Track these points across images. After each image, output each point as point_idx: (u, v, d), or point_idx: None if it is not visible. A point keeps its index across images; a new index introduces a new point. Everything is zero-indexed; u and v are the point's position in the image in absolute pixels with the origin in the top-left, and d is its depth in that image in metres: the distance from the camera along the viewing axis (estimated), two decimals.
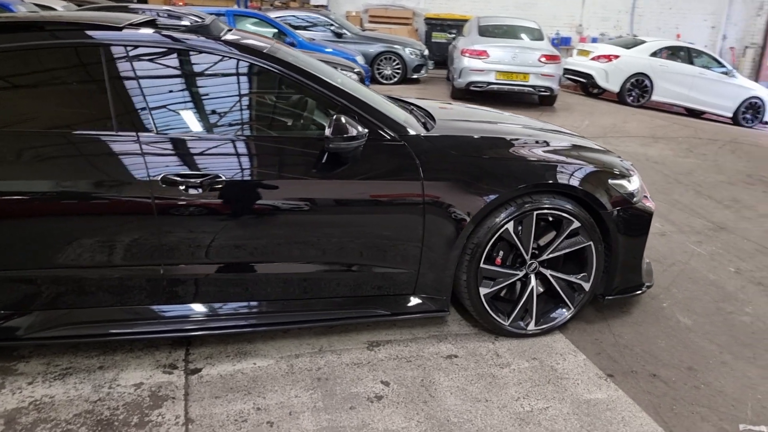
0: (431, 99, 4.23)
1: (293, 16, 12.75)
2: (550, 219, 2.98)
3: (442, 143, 2.90)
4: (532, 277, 3.02)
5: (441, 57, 14.72)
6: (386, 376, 2.71)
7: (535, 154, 3.03)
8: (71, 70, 2.55)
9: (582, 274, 3.07)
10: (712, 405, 2.65)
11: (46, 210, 2.43)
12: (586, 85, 13.25)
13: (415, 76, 12.63)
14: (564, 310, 3.10)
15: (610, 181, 3.06)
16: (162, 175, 2.47)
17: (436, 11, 16.78)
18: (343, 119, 2.57)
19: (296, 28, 11.80)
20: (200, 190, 2.51)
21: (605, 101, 12.49)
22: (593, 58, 12.63)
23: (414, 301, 2.91)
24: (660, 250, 4.36)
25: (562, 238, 2.98)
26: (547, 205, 2.89)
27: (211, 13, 3.54)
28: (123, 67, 2.53)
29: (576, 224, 2.95)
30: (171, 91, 2.68)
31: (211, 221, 2.57)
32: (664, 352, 3.04)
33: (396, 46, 12.46)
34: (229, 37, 2.79)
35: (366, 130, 2.65)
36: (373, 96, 3.13)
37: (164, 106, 2.61)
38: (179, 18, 2.87)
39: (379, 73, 12.35)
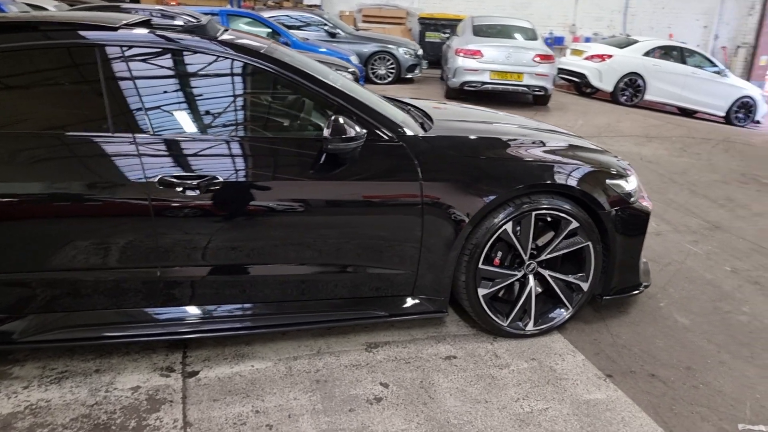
0: (426, 99, 4.22)
1: (287, 15, 12.71)
2: (549, 219, 2.98)
3: (440, 144, 2.89)
4: (531, 277, 3.02)
5: (435, 57, 14.70)
6: (385, 378, 2.70)
7: (533, 155, 3.03)
8: (66, 71, 2.52)
9: (580, 274, 3.06)
10: (712, 405, 2.65)
11: (41, 212, 2.40)
12: (579, 85, 13.27)
13: (409, 76, 12.61)
14: (562, 310, 3.10)
15: (607, 181, 3.06)
16: (159, 177, 2.45)
17: (430, 11, 16.76)
18: (341, 120, 2.56)
19: (290, 27, 11.77)
20: (198, 192, 2.49)
21: (598, 101, 12.51)
22: (587, 58, 12.65)
23: (412, 302, 2.90)
24: (656, 249, 4.37)
25: (560, 238, 2.97)
26: (545, 206, 2.89)
27: (205, 13, 3.52)
28: (119, 67, 2.51)
29: (574, 224, 2.95)
30: (168, 92, 2.65)
31: (208, 223, 2.55)
32: (662, 351, 3.04)
33: (390, 46, 12.44)
34: (225, 37, 2.77)
35: (364, 131, 2.64)
36: (371, 96, 3.12)
37: (161, 107, 2.58)
38: (172, 18, 2.85)
39: (373, 73, 12.33)
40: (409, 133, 2.83)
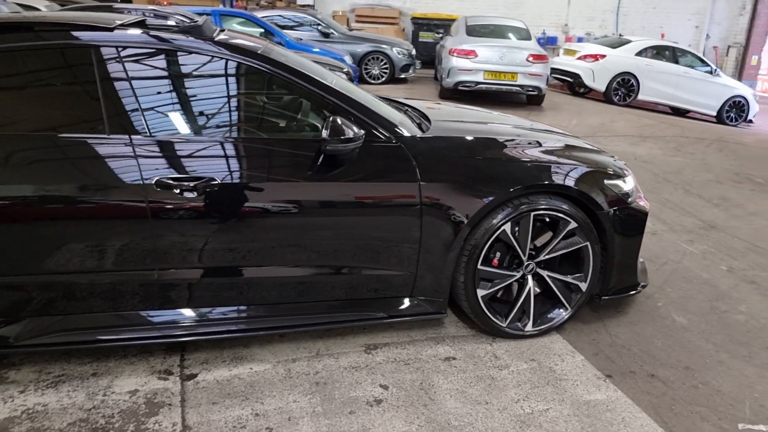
0: (420, 99, 4.21)
1: (280, 15, 12.68)
2: (547, 220, 2.98)
3: (438, 144, 2.88)
4: (529, 278, 3.01)
5: (428, 57, 14.71)
6: (385, 380, 2.68)
7: (531, 155, 3.02)
8: (61, 72, 2.50)
9: (579, 275, 3.06)
10: (711, 404, 2.65)
11: (35, 215, 2.37)
12: (572, 85, 13.31)
13: (402, 76, 12.61)
14: (561, 310, 3.09)
15: (605, 181, 3.06)
16: (156, 179, 2.43)
17: (423, 11, 16.78)
18: (339, 120, 2.54)
19: (283, 27, 11.74)
20: (195, 194, 2.47)
21: (592, 100, 12.55)
22: (580, 58, 12.70)
23: (411, 303, 2.89)
24: (652, 249, 4.38)
25: (559, 238, 2.97)
26: (543, 206, 2.88)
27: (197, 13, 3.50)
28: (115, 68, 2.48)
29: (573, 225, 2.95)
30: (165, 93, 2.63)
31: (206, 225, 2.53)
32: (661, 351, 3.04)
33: (383, 46, 12.44)
34: (221, 38, 2.75)
35: (362, 131, 2.62)
36: (369, 97, 3.11)
37: (157, 109, 2.56)
38: (165, 18, 2.83)
39: (367, 73, 12.32)
40: (407, 133, 2.82)
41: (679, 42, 15.51)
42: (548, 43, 17.37)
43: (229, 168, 2.58)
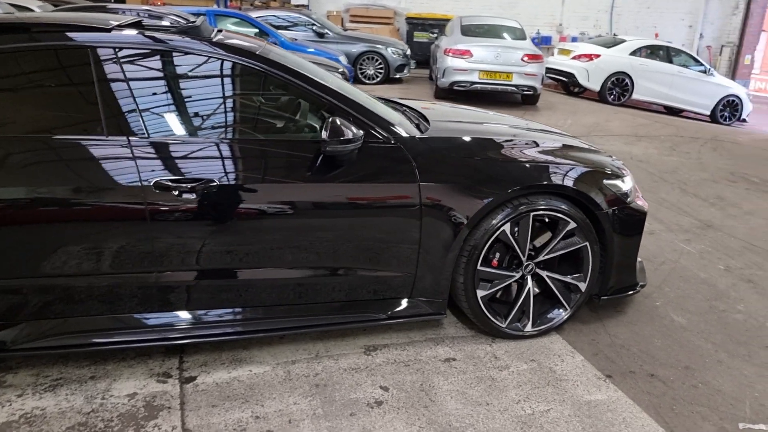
0: (415, 99, 4.20)
1: (274, 15, 12.65)
2: (546, 220, 2.97)
3: (437, 145, 2.88)
4: (529, 278, 3.01)
5: (423, 56, 14.71)
6: (385, 381, 2.67)
7: (530, 155, 3.02)
8: (59, 73, 2.47)
9: (578, 275, 3.06)
10: (712, 404, 2.65)
11: (33, 217, 2.35)
12: (567, 84, 13.34)
13: (397, 76, 12.60)
14: (561, 310, 3.09)
15: (604, 181, 3.06)
16: (155, 180, 2.41)
17: (417, 11, 16.76)
18: (338, 121, 2.53)
19: (277, 28, 11.71)
20: (194, 195, 2.45)
21: (586, 100, 12.58)
22: (574, 58, 12.72)
23: (411, 304, 2.88)
24: (650, 248, 4.38)
25: (558, 239, 2.97)
26: (543, 206, 2.88)
27: (192, 13, 3.48)
28: (112, 69, 2.46)
29: (572, 225, 2.95)
30: (163, 94, 2.61)
31: (206, 227, 2.51)
32: (660, 351, 3.04)
33: (378, 46, 12.42)
34: (219, 38, 2.73)
35: (361, 132, 2.62)
36: (367, 98, 3.10)
37: (156, 110, 2.54)
38: (160, 18, 2.81)
39: (362, 73, 12.30)
40: (406, 134, 2.81)
41: (672, 41, 15.57)
42: (542, 42, 17.39)
43: (228, 169, 2.56)
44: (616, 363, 2.91)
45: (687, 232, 4.84)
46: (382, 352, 2.90)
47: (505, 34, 11.14)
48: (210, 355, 2.79)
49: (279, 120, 2.95)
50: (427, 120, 3.24)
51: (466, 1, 17.33)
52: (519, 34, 11.20)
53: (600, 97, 12.40)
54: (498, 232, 2.83)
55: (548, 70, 12.57)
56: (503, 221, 2.83)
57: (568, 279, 3.06)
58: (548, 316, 3.09)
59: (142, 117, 2.47)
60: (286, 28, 12.26)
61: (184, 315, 2.62)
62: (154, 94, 2.58)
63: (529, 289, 3.01)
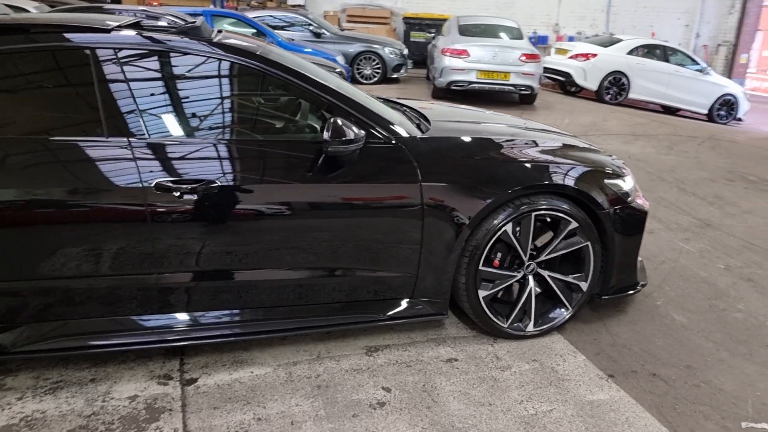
0: (413, 99, 4.19)
1: (271, 16, 12.63)
2: (548, 220, 2.97)
3: (438, 145, 2.87)
4: (530, 278, 3.00)
5: (420, 56, 14.70)
6: (387, 382, 2.66)
7: (531, 155, 3.01)
8: (59, 74, 2.46)
9: (579, 274, 3.05)
10: (714, 403, 2.65)
11: (32, 219, 2.34)
12: (564, 84, 13.35)
13: (395, 76, 12.59)
14: (562, 310, 3.09)
15: (605, 180, 3.05)
16: (156, 182, 2.40)
17: (414, 10, 16.76)
18: (339, 122, 2.52)
19: (274, 28, 11.69)
20: (196, 196, 2.44)
21: (583, 99, 12.59)
22: (571, 57, 12.73)
23: (413, 304, 2.87)
24: (649, 248, 4.38)
25: (560, 238, 2.96)
26: (544, 206, 2.88)
27: (189, 14, 3.46)
28: (113, 70, 2.45)
29: (574, 225, 2.94)
30: (164, 95, 2.60)
31: (207, 228, 2.50)
32: (662, 350, 3.04)
33: (375, 46, 12.41)
34: (220, 39, 2.72)
35: (363, 133, 2.61)
36: (368, 98, 3.09)
37: (157, 111, 2.53)
38: (157, 19, 2.80)
39: (359, 73, 12.29)
40: (407, 134, 2.80)
41: (669, 41, 15.60)
42: (539, 42, 17.41)
43: (229, 170, 2.55)
44: (618, 362, 2.91)
45: (686, 231, 4.85)
46: (384, 352, 2.89)
47: (502, 34, 11.14)
48: (210, 357, 2.78)
49: (280, 120, 2.94)
50: (427, 120, 3.23)
51: (463, 0, 17.33)
52: (516, 34, 11.20)
53: (597, 96, 12.41)
54: (500, 232, 2.83)
55: (545, 69, 12.56)
56: (505, 221, 2.82)
57: (569, 279, 3.06)
58: (550, 315, 3.09)
59: (142, 118, 2.46)
60: (282, 28, 12.23)
61: (185, 316, 2.61)
62: (155, 94, 2.57)
63: (531, 289, 3.00)
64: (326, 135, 2.50)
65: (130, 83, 2.46)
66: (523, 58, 10.09)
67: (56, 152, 2.38)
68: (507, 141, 3.11)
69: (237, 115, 2.80)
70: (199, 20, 2.86)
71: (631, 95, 12.46)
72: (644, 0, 18.24)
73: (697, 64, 12.97)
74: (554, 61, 13.16)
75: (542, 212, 2.89)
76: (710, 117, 12.90)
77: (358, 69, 12.29)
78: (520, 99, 10.96)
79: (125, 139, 2.42)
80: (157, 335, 2.57)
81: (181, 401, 2.47)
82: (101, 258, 2.42)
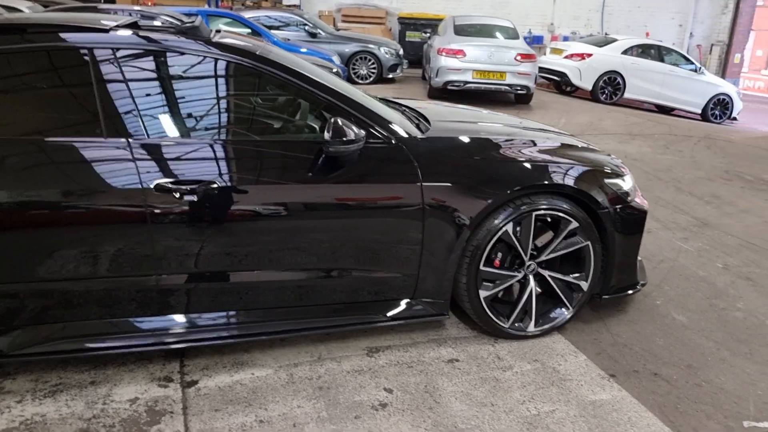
0: (410, 99, 4.18)
1: (266, 16, 12.59)
2: (548, 220, 2.96)
3: (439, 145, 2.87)
4: (531, 278, 3.00)
5: (415, 56, 14.69)
6: (389, 383, 2.65)
7: (531, 155, 3.01)
8: (58, 74, 2.44)
9: (580, 274, 3.05)
10: (716, 402, 2.65)
11: (31, 221, 2.32)
12: (559, 83, 13.37)
13: (390, 76, 12.57)
14: (563, 310, 3.08)
15: (605, 180, 3.05)
16: (156, 182, 2.38)
17: (409, 10, 16.75)
18: (340, 122, 2.51)
19: (270, 28, 11.66)
20: (196, 197, 2.42)
21: (579, 99, 12.60)
22: (566, 57, 12.75)
23: (413, 305, 2.86)
24: (648, 247, 4.38)
25: (560, 238, 2.96)
26: (545, 206, 2.87)
27: (184, 14, 3.45)
28: (111, 70, 2.43)
29: (574, 224, 2.94)
30: (164, 96, 2.58)
31: (208, 229, 2.49)
32: (662, 350, 3.04)
33: (371, 46, 12.40)
34: (219, 39, 2.71)
35: (363, 133, 2.60)
36: (369, 99, 3.08)
37: (156, 111, 2.51)
38: (152, 19, 2.79)
39: (355, 73, 12.27)
40: (407, 134, 2.80)
41: (663, 40, 15.64)
42: (534, 42, 17.41)
43: (229, 171, 2.53)
44: (620, 362, 2.90)
45: (684, 231, 4.85)
46: (385, 353, 2.88)
47: (498, 34, 11.15)
48: (211, 359, 2.77)
49: (281, 120, 2.92)
50: (427, 120, 3.22)
51: (458, 0, 17.33)
52: (512, 34, 11.21)
53: (592, 96, 12.42)
54: (500, 233, 2.82)
55: (540, 69, 12.58)
56: (505, 221, 2.82)
57: (570, 278, 3.05)
58: (550, 315, 3.08)
59: (141, 118, 2.44)
60: (278, 28, 12.20)
61: (186, 318, 2.59)
62: (154, 95, 2.55)
63: (532, 289, 2.99)
64: (327, 135, 2.49)
65: (129, 84, 2.45)
66: (519, 57, 10.09)
67: (55, 153, 2.36)
68: (507, 141, 3.10)
69: (237, 116, 2.78)
70: (198, 20, 2.84)
71: (626, 95, 12.49)
72: (638, 0, 18.28)
73: (692, 63, 13.01)
74: (549, 60, 13.17)
75: (543, 212, 2.89)
76: (704, 116, 12.93)
77: (353, 69, 12.27)
78: (516, 99, 10.96)
79: (124, 139, 2.40)
80: (157, 337, 2.56)
81: (182, 403, 2.46)
82: (101, 259, 2.40)
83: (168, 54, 2.56)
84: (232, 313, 2.66)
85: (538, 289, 3.06)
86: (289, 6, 15.82)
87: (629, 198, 3.11)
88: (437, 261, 2.79)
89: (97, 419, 2.34)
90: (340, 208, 2.64)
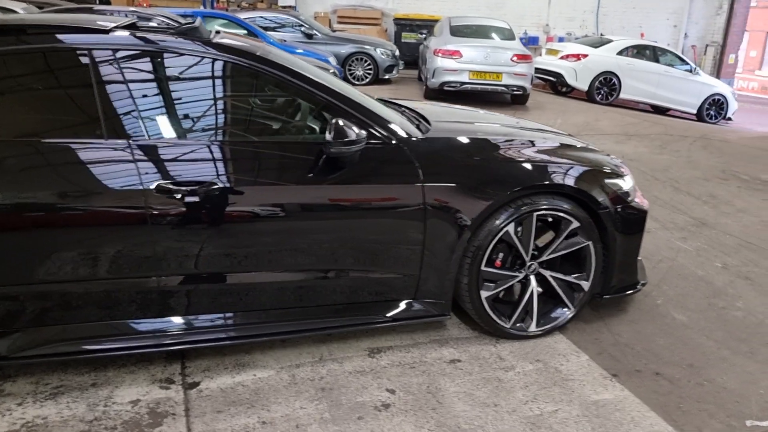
0: (407, 99, 4.18)
1: (262, 17, 12.58)
2: (549, 220, 2.96)
3: (439, 145, 2.87)
4: (532, 278, 3.00)
5: (411, 57, 14.69)
6: (391, 384, 2.65)
7: (531, 155, 3.01)
8: (58, 75, 2.43)
9: (581, 274, 3.05)
10: (718, 402, 2.65)
11: (29, 222, 2.31)
12: (555, 84, 13.39)
13: (386, 77, 12.58)
14: (565, 310, 3.08)
15: (606, 180, 3.06)
16: (156, 183, 2.37)
17: (405, 11, 16.75)
18: (341, 123, 2.51)
19: (266, 29, 11.65)
20: (197, 198, 2.41)
21: (574, 99, 12.63)
22: (562, 57, 12.78)
23: (415, 305, 2.86)
24: (647, 247, 4.37)
25: (561, 238, 2.96)
26: (545, 206, 2.87)
27: (180, 15, 3.44)
28: (112, 71, 2.42)
29: (575, 224, 2.94)
30: (164, 97, 2.57)
31: (209, 230, 2.48)
32: (664, 349, 3.04)
33: (367, 47, 12.39)
34: (218, 40, 2.70)
35: (364, 133, 2.59)
36: (369, 99, 3.08)
37: (156, 112, 2.50)
38: (149, 20, 2.78)
39: (351, 74, 12.26)
40: (408, 135, 2.79)
41: (658, 41, 15.70)
42: (530, 42, 17.45)
43: (230, 172, 2.53)
44: (621, 362, 2.91)
45: (682, 230, 4.87)
46: (387, 354, 2.88)
47: (494, 35, 11.17)
48: (212, 360, 2.75)
49: (281, 122, 2.92)
50: (427, 120, 3.22)
51: (454, 1, 17.35)
52: (508, 35, 11.23)
53: (588, 96, 12.46)
54: (502, 233, 2.82)
55: (536, 70, 12.58)
56: (507, 221, 2.81)
57: (571, 278, 3.05)
58: (552, 315, 3.08)
59: (142, 120, 2.43)
60: (274, 29, 12.19)
61: (186, 319, 2.58)
62: (154, 96, 2.54)
63: (533, 289, 2.99)
64: (329, 136, 2.49)
65: (129, 85, 2.44)
66: (515, 58, 10.12)
67: (55, 154, 2.35)
68: (507, 141, 3.11)
69: (237, 117, 2.77)
70: (197, 21, 2.83)
71: (622, 95, 12.52)
72: (633, 1, 18.34)
73: (687, 64, 13.06)
74: (545, 61, 13.20)
75: (543, 212, 2.88)
76: (700, 117, 12.98)
77: (349, 70, 12.26)
78: (512, 99, 10.98)
79: (125, 141, 2.39)
80: (158, 339, 2.54)
81: (184, 405, 2.45)
82: (101, 261, 2.38)
83: (168, 55, 2.55)
84: (233, 314, 2.65)
85: (539, 289, 3.05)
86: (285, 7, 15.82)
87: (630, 198, 3.11)
88: (439, 261, 2.79)
89: (99, 421, 2.33)
90: (342, 209, 2.63)
